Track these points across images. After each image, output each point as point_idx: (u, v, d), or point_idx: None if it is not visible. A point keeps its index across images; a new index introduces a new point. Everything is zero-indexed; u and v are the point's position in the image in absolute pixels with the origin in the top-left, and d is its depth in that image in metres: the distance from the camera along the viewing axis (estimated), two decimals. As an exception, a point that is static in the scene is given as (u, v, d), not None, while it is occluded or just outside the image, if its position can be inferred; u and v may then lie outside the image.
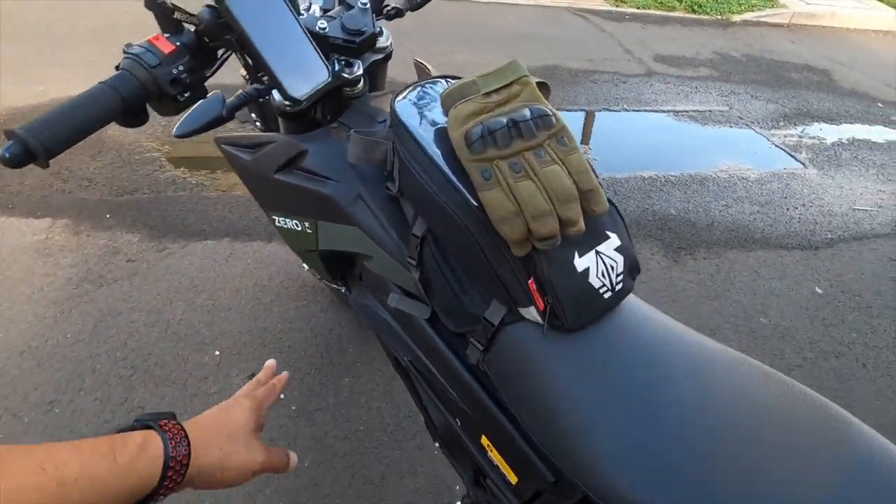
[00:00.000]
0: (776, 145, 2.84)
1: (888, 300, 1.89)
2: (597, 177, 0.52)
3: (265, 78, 0.61)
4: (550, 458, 0.54)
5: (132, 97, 0.52)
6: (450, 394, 0.67)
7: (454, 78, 0.62)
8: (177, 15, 0.54)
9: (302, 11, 0.68)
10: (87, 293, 1.48)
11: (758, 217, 2.23)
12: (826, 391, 1.53)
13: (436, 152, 0.55)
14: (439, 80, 0.62)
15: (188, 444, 0.40)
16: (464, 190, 0.53)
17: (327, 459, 1.19)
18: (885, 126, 3.28)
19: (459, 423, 0.72)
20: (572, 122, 2.75)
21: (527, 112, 0.51)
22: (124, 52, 0.53)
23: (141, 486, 0.36)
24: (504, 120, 0.51)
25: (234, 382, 1.31)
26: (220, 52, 0.60)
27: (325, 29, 0.65)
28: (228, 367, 1.35)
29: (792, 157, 2.75)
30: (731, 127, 2.95)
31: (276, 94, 0.68)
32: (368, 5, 0.68)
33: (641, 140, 2.74)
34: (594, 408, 0.50)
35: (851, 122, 3.25)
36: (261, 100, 0.69)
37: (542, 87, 0.57)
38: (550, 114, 0.52)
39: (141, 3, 0.55)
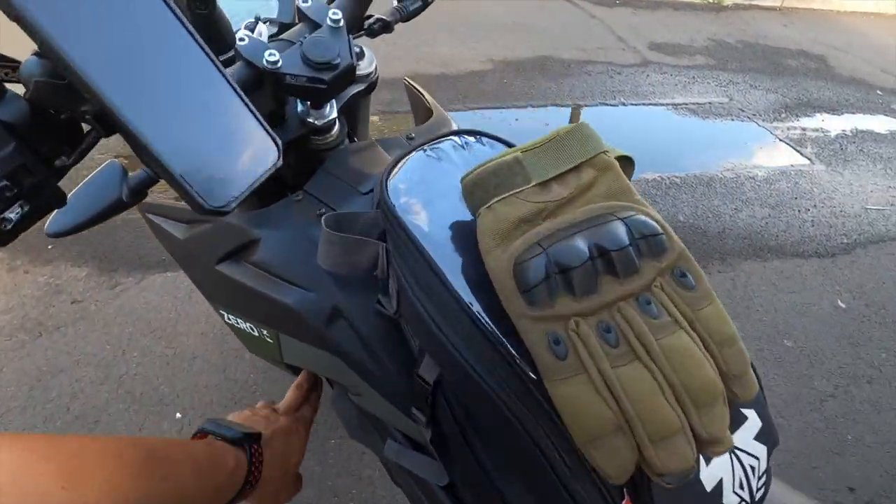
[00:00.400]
0: (780, 139, 2.69)
1: (913, 312, 1.77)
2: None
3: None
4: None
5: None
6: None
7: (472, 134, 0.41)
8: None
9: (242, 34, 0.42)
10: (22, 346, 1.26)
11: (770, 221, 2.09)
12: (864, 425, 1.41)
13: (460, 281, 0.33)
14: (451, 137, 0.41)
15: (259, 478, 0.43)
16: (511, 350, 0.32)
17: (312, 547, 1.01)
18: (886, 115, 3.16)
19: None
20: (568, 119, 2.57)
21: (621, 230, 0.29)
22: None
23: (216, 500, 0.39)
24: (583, 245, 0.29)
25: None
26: (84, 126, 0.35)
27: (276, 63, 0.41)
28: (192, 432, 1.15)
29: (798, 152, 2.61)
30: (732, 120, 2.80)
31: None
32: (342, 23, 0.44)
33: (642, 137, 2.56)
34: None
35: (853, 112, 3.12)
36: None
37: (625, 164, 0.35)
38: (660, 230, 0.30)
39: None
